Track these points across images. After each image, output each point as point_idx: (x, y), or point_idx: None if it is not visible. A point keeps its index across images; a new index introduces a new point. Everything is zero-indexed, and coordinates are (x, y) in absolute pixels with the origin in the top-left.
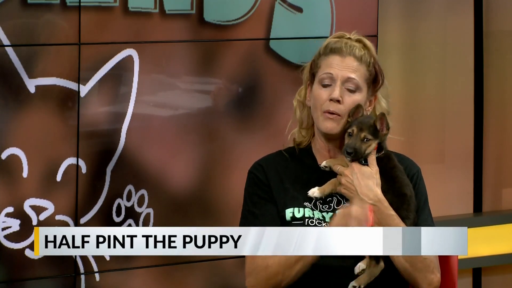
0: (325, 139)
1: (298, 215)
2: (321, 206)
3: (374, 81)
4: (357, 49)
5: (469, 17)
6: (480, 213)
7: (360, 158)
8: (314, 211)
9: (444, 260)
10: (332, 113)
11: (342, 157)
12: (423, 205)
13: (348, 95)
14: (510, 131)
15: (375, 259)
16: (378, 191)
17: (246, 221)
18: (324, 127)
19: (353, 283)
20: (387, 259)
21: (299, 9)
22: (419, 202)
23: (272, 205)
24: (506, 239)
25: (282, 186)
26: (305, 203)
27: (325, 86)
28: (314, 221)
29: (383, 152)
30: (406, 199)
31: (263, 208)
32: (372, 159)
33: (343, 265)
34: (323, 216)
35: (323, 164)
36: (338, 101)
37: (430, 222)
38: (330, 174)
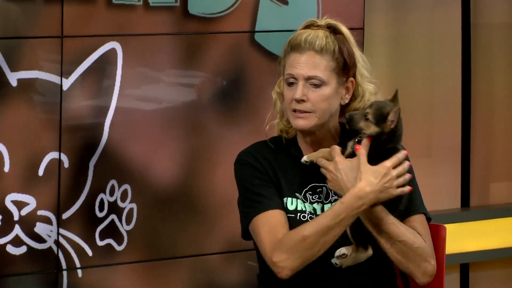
0: (303, 134)
1: (291, 207)
2: (310, 197)
3: (344, 67)
4: (319, 39)
5: (457, 9)
6: (467, 208)
7: (352, 129)
8: (305, 203)
9: None
10: (300, 112)
11: (323, 150)
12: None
13: (313, 91)
14: (497, 125)
15: (363, 245)
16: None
17: (256, 204)
18: (295, 125)
19: (334, 260)
20: (376, 248)
21: (285, 2)
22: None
23: (275, 189)
24: (494, 234)
25: (275, 175)
26: (296, 194)
27: (290, 85)
28: (306, 215)
29: (390, 145)
30: None
31: (268, 190)
32: (364, 144)
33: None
34: (314, 209)
35: (304, 159)
36: (303, 100)
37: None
38: (317, 165)
